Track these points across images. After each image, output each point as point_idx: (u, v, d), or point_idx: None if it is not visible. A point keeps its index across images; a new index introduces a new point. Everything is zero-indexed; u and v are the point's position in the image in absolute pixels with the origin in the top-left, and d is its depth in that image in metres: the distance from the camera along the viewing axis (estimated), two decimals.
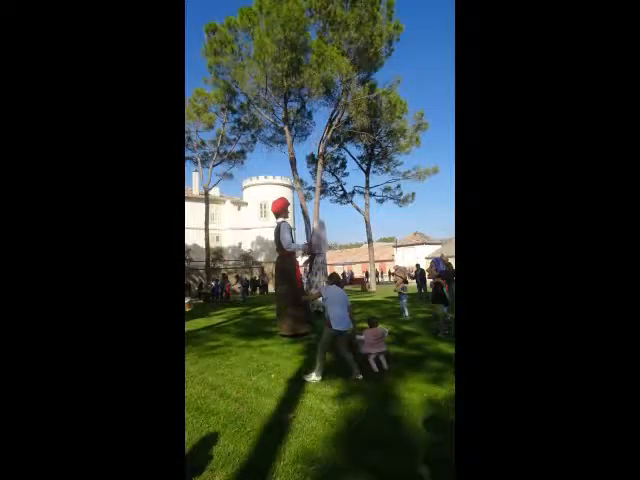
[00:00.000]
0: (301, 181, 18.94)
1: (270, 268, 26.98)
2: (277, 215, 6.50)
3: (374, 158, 21.19)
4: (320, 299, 5.28)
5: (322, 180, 19.52)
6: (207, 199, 22.84)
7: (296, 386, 3.65)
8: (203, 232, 23.20)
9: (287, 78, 14.91)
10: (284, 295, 6.10)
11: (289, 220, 7.24)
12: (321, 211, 20.44)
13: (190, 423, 2.78)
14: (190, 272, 24.29)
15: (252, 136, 22.44)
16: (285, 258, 6.23)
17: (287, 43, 13.88)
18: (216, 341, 6.52)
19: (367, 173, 21.36)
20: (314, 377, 3.75)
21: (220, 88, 17.83)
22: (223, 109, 21.06)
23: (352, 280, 31.37)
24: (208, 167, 22.93)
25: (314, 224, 16.57)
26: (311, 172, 21.53)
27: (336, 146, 20.13)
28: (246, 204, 34.39)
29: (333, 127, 17.08)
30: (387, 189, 21.88)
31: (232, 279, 21.90)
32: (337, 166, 22.08)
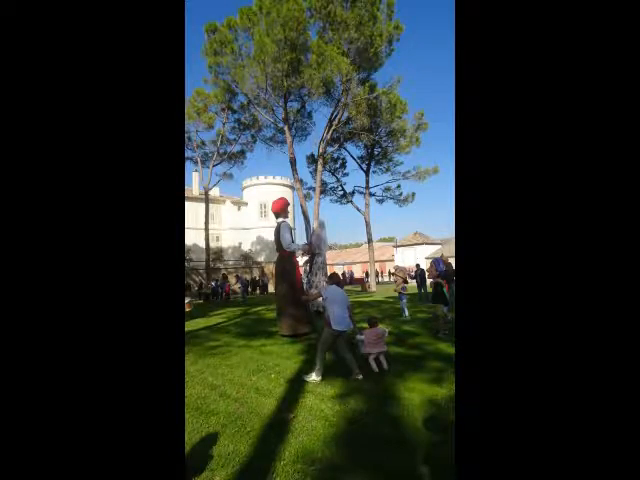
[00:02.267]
0: (301, 181, 18.92)
1: (270, 268, 26.97)
2: (277, 215, 6.50)
3: (374, 158, 21.19)
4: (320, 299, 5.28)
5: (322, 180, 19.51)
6: (207, 199, 22.84)
7: (296, 386, 3.64)
8: (203, 232, 23.21)
9: (287, 78, 14.90)
10: (284, 295, 6.10)
11: (289, 220, 7.24)
12: (321, 211, 20.44)
13: (190, 423, 2.78)
14: (190, 272, 24.29)
15: (252, 136, 22.46)
16: (285, 258, 6.24)
17: (287, 43, 13.87)
18: (216, 341, 6.52)
19: (367, 173, 21.36)
20: (314, 377, 3.75)
21: (220, 88, 17.82)
22: (223, 109, 21.07)
23: (352, 280, 31.38)
24: (208, 167, 22.94)
25: (314, 224, 16.57)
26: (311, 172, 21.55)
27: (336, 146, 20.12)
28: (246, 204, 34.38)
29: (333, 127, 17.08)
30: (387, 189, 21.89)
31: (232, 279, 21.89)
32: (337, 166, 22.09)
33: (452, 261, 9.79)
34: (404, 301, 8.42)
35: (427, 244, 29.96)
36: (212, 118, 21.39)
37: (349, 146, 21.14)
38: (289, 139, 17.23)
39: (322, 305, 5.28)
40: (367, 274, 29.82)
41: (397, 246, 31.73)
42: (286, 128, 17.13)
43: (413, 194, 21.73)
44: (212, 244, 27.41)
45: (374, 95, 16.62)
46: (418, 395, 3.22)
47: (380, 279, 34.24)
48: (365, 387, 3.51)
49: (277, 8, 13.41)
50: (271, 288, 24.77)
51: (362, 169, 21.58)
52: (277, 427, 2.69)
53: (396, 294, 9.25)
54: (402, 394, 3.27)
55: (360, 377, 3.72)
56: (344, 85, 15.34)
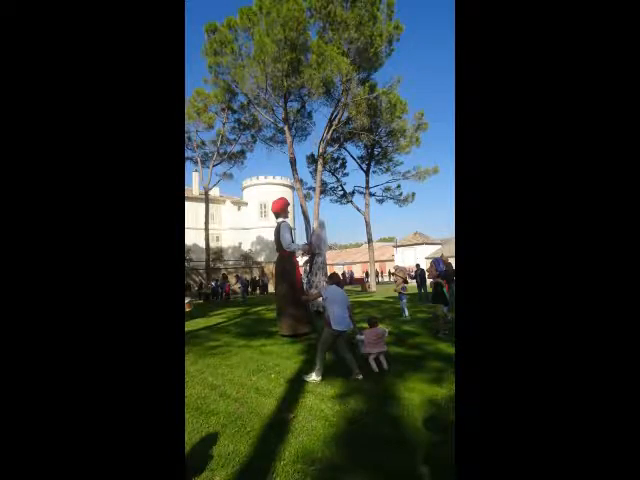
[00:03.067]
0: (301, 181, 18.92)
1: (270, 268, 26.97)
2: (277, 215, 6.51)
3: (374, 158, 21.19)
4: (320, 299, 5.28)
5: (322, 180, 19.51)
6: (207, 199, 22.84)
7: (296, 386, 3.64)
8: (203, 232, 23.21)
9: (287, 78, 14.90)
10: (284, 295, 6.10)
11: (289, 220, 7.24)
12: (321, 211, 20.46)
13: (190, 423, 2.78)
14: (190, 272, 24.28)
15: (252, 136, 22.47)
16: (285, 258, 6.24)
17: (287, 43, 13.87)
18: (216, 341, 6.52)
19: (367, 173, 21.36)
20: (314, 377, 3.75)
21: (220, 88, 17.82)
22: (223, 109, 21.07)
23: (352, 280, 31.38)
24: (208, 167, 22.94)
25: (314, 224, 16.57)
26: (311, 172, 21.55)
27: (336, 146, 20.12)
28: (246, 204, 34.38)
29: (333, 127, 17.08)
30: (387, 189, 21.89)
31: (232, 279, 21.89)
32: (337, 166, 22.09)
33: (452, 261, 9.79)
34: (404, 301, 8.42)
35: (427, 244, 29.95)
36: (212, 118, 21.39)
37: (349, 146, 21.18)
38: (289, 139, 17.22)
39: (322, 305, 5.28)
40: (367, 274, 29.82)
41: (397, 246, 31.72)
42: (286, 128, 17.13)
43: (413, 194, 21.76)
44: (212, 244, 27.42)
45: (374, 95, 16.62)
46: (418, 395, 3.22)
47: (380, 279, 34.24)
48: (365, 387, 3.51)
49: (277, 8, 13.41)
50: (271, 288, 24.76)
51: (362, 169, 21.57)
52: (277, 427, 2.69)
53: (396, 294, 9.25)
54: (402, 394, 3.27)
55: (360, 377, 3.72)
56: (344, 85, 15.34)
